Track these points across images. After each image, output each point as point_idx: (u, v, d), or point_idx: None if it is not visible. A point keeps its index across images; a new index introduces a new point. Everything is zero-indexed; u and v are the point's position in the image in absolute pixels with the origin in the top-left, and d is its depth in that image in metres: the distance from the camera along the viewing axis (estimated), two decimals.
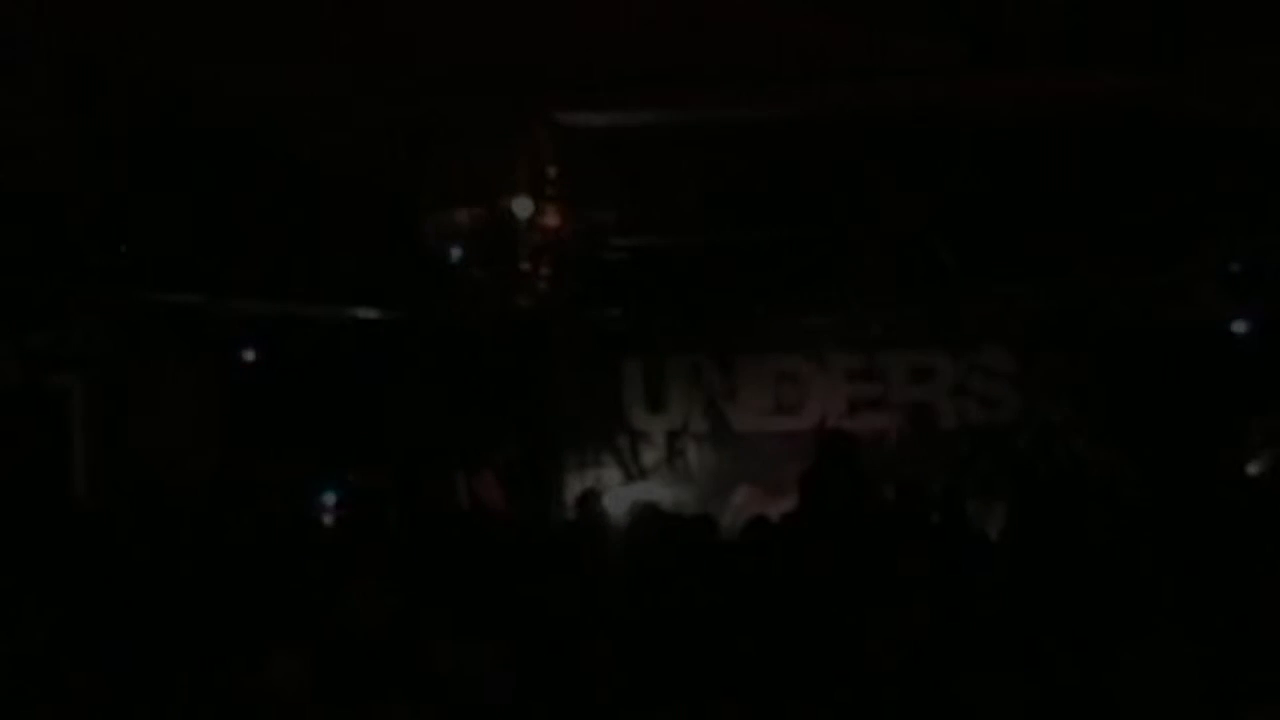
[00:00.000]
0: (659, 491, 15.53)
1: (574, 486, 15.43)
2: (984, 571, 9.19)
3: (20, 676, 6.21)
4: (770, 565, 9.57)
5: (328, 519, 13.29)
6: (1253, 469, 13.84)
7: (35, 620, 7.77)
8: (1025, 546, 10.07)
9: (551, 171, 7.16)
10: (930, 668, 6.78)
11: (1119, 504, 12.06)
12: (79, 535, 10.84)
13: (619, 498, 15.15)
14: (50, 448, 12.81)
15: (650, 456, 16.25)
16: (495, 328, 13.98)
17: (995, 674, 6.64)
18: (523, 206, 7.13)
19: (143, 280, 10.77)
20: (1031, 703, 6.37)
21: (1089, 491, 12.21)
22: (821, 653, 7.29)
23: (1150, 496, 11.98)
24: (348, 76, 6.95)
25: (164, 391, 13.44)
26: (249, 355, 14.01)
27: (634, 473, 16.17)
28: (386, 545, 11.02)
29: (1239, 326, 14.17)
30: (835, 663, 7.18)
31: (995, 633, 7.21)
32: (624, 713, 6.29)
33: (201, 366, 13.92)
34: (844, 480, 10.88)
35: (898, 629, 7.02)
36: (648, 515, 11.88)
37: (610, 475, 16.05)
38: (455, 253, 7.33)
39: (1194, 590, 7.91)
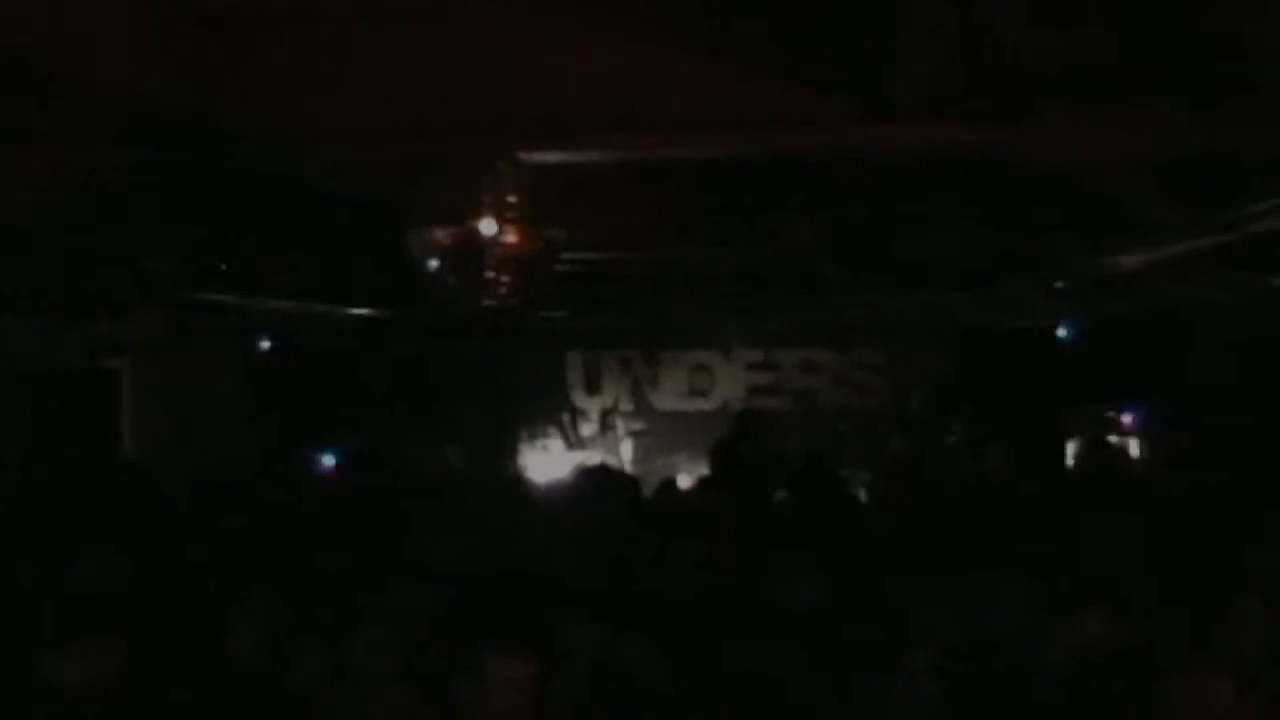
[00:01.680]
0: (594, 457, 15.75)
1: (526, 453, 15.75)
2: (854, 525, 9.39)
3: (80, 614, 6.14)
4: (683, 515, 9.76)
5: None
6: (1070, 447, 14.15)
7: (92, 559, 7.73)
8: (884, 505, 10.34)
9: (513, 199, 7.26)
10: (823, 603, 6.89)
11: (960, 472, 12.33)
12: (129, 488, 10.85)
13: (561, 462, 15.38)
14: (104, 418, 12.88)
15: (587, 429, 16.57)
16: (465, 325, 14.10)
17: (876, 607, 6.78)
18: (489, 227, 7.22)
19: (183, 282, 10.85)
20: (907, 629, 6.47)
21: (935, 462, 12.47)
22: (728, 589, 7.39)
23: (986, 468, 12.21)
24: (352, 122, 7.06)
25: (197, 373, 13.52)
26: (266, 344, 14.16)
27: (574, 442, 16.51)
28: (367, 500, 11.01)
29: (1061, 331, 14.50)
30: (740, 597, 7.29)
31: (870, 572, 7.37)
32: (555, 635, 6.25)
33: (228, 353, 14.03)
34: (755, 447, 11.12)
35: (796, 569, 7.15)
36: (586, 471, 12.09)
37: (555, 444, 16.31)
38: (434, 264, 7.42)
39: (1020, 535, 8.14)
